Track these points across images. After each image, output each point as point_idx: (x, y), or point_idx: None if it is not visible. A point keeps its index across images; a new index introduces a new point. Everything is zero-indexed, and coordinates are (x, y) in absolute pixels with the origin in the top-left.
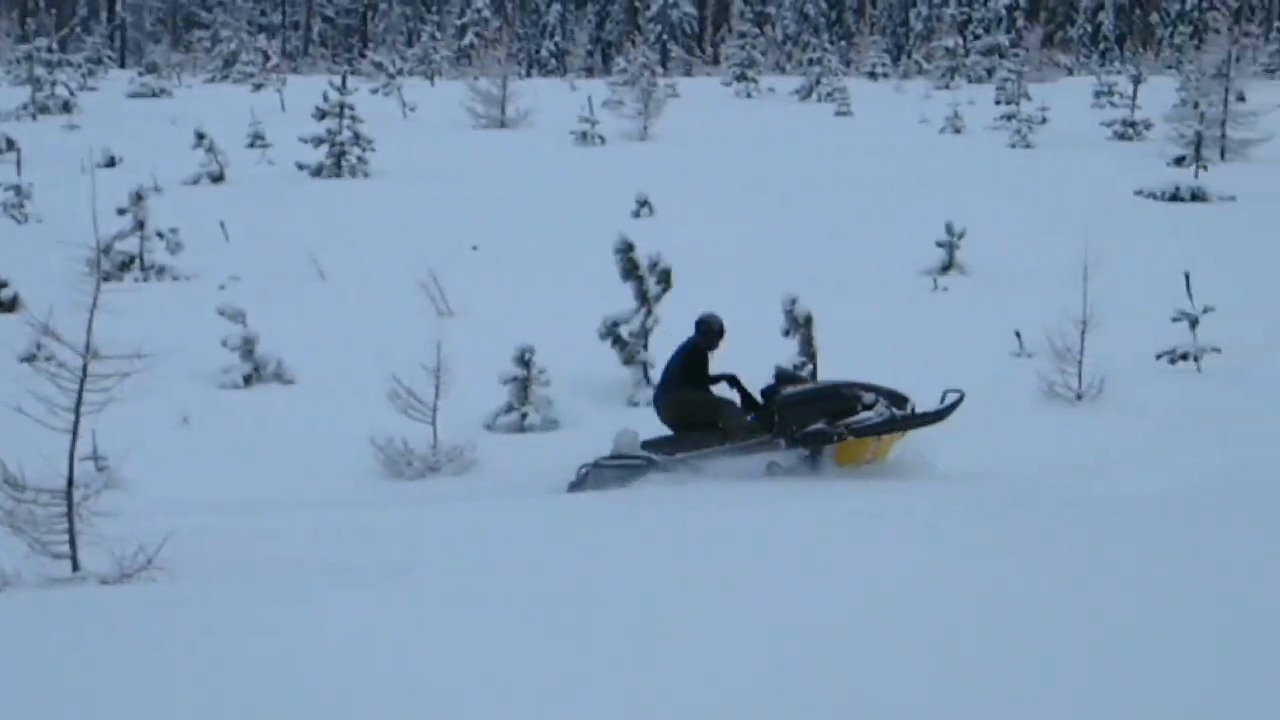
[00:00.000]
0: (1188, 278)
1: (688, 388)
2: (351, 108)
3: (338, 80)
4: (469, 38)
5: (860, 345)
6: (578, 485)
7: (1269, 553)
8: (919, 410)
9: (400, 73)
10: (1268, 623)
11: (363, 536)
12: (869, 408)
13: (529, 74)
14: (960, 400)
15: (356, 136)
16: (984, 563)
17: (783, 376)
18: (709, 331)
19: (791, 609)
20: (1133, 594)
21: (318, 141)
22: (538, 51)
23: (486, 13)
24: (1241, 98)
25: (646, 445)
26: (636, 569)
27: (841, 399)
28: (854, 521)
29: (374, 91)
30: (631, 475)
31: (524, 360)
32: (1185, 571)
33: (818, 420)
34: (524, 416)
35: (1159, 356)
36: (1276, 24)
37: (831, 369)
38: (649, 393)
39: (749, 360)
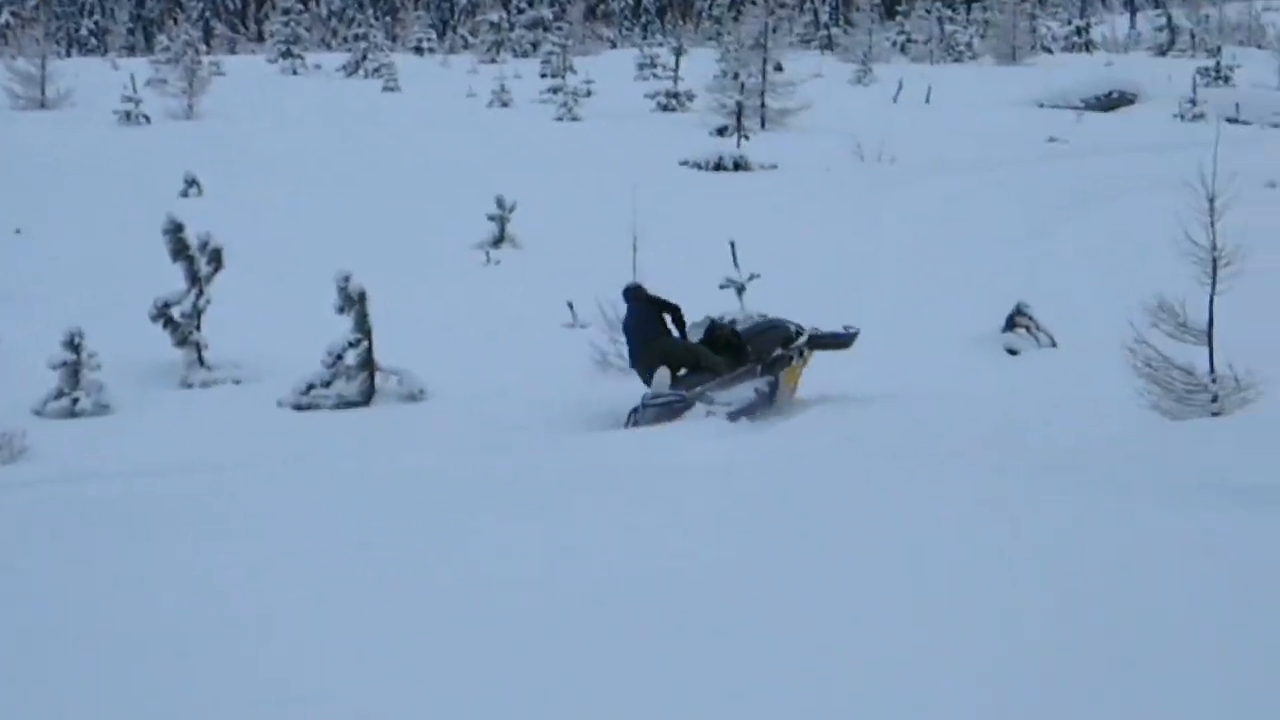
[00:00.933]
0: (733, 245)
1: (662, 336)
2: None
3: None
4: (5, 16)
5: (415, 320)
6: (632, 423)
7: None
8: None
9: None
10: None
11: None
12: (799, 336)
13: (69, 53)
14: (858, 332)
15: None
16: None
17: (716, 323)
18: (639, 295)
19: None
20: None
21: None
22: (77, 30)
23: None
24: (779, 68)
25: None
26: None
27: (784, 329)
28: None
29: None
30: (672, 411)
31: (73, 344)
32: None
33: (775, 348)
34: (75, 401)
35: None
36: None
37: (389, 345)
38: (204, 374)
39: (306, 338)
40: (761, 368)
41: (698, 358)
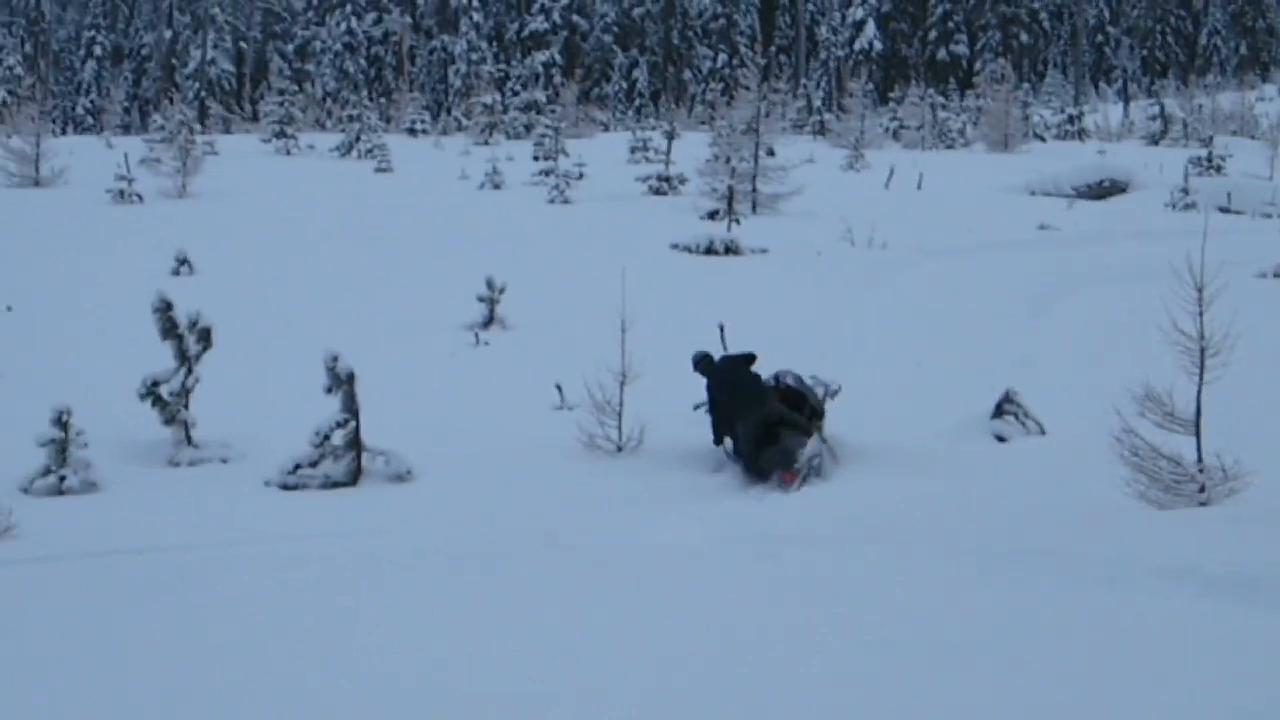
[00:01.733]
0: (722, 329)
1: (768, 404)
2: None
3: None
4: (1, 95)
5: (404, 401)
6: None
7: (780, 597)
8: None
9: None
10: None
11: None
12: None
13: (64, 131)
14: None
15: None
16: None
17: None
18: (710, 362)
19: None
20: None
21: None
22: (73, 109)
23: (19, 69)
24: (771, 152)
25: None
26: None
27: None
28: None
29: None
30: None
31: (61, 422)
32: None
33: (822, 404)
34: (62, 479)
35: (697, 407)
36: (804, 81)
37: (377, 426)
38: (192, 452)
39: (294, 417)
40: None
41: (794, 422)
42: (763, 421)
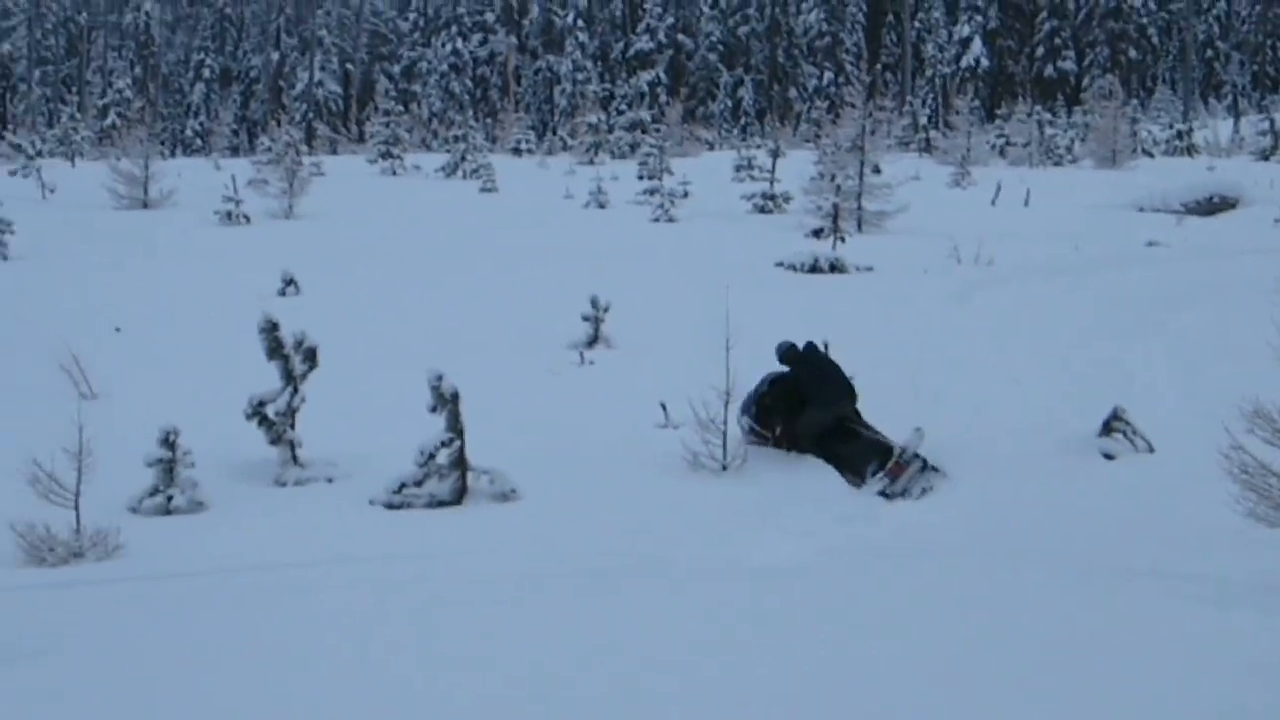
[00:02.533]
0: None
1: (846, 401)
2: None
3: None
4: (111, 118)
5: (509, 420)
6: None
7: (882, 619)
8: None
9: (40, 154)
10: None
11: None
12: None
13: (173, 154)
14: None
15: None
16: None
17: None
18: (797, 351)
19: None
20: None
21: None
22: (182, 131)
23: (128, 93)
24: (877, 170)
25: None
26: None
27: None
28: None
29: (12, 173)
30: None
31: (168, 442)
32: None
33: None
34: (170, 499)
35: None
36: (909, 98)
37: (481, 445)
38: (297, 472)
39: (399, 436)
40: None
41: (859, 420)
42: (837, 416)
